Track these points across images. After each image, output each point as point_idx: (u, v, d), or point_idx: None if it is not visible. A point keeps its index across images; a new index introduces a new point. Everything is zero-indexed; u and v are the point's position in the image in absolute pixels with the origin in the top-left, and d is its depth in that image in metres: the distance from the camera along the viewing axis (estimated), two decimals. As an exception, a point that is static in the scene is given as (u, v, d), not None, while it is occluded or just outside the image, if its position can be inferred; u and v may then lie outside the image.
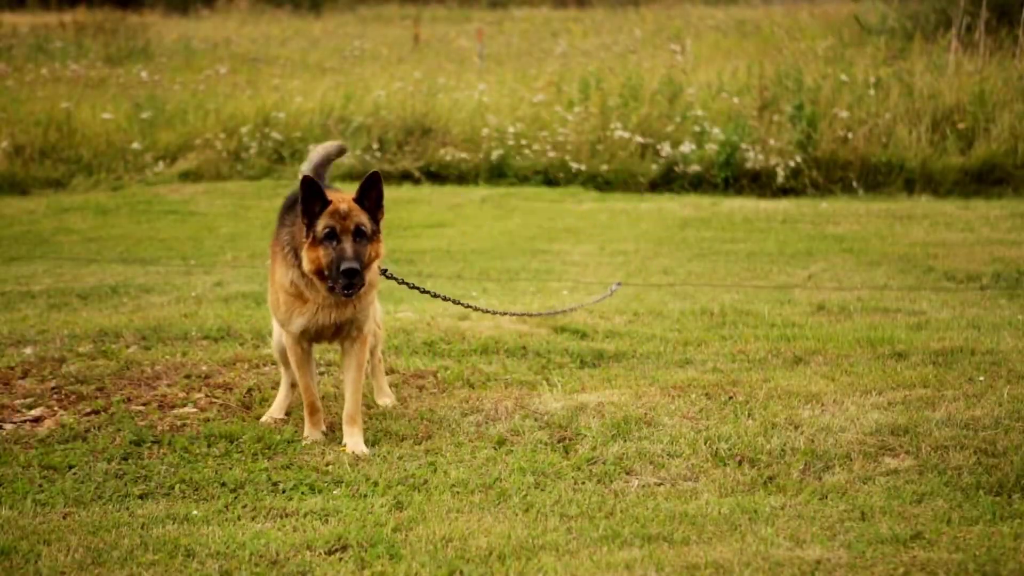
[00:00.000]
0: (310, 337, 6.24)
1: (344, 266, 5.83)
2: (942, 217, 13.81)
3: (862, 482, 5.51)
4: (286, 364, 6.61)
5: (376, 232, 6.02)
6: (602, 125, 17.73)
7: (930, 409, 6.45)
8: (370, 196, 6.02)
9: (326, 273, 5.91)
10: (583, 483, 5.60)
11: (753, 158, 16.66)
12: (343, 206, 5.91)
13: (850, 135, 16.89)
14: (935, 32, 20.39)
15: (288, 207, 6.28)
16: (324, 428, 6.37)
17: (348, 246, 5.87)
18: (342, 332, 6.24)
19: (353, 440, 6.14)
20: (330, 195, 5.98)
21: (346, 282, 5.85)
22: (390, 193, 16.11)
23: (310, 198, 5.90)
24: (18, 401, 6.84)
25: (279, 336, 6.54)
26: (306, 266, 5.94)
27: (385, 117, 18.34)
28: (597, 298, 9.30)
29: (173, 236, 13.40)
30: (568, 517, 5.19)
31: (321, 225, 5.88)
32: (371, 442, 6.19)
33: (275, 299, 6.22)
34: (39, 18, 32.90)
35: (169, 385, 7.14)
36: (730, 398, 6.79)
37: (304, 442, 6.21)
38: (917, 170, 16.55)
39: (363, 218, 5.96)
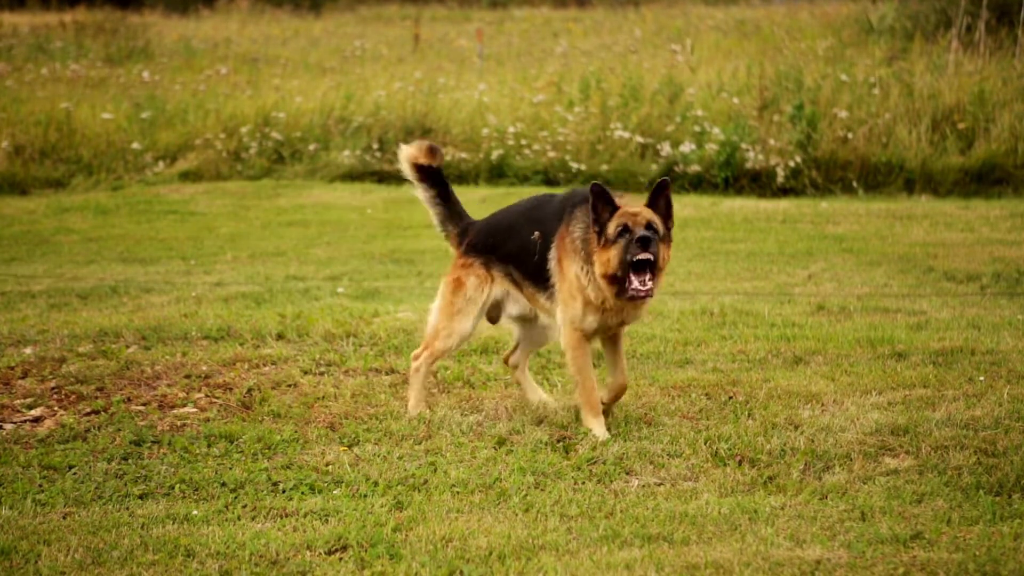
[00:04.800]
0: (596, 333, 6.33)
1: (639, 257, 5.86)
2: (942, 217, 13.80)
3: (862, 482, 5.51)
4: (436, 360, 6.70)
5: (668, 235, 6.03)
6: (602, 125, 17.72)
7: (930, 409, 6.45)
8: (659, 203, 6.05)
9: (618, 275, 5.92)
10: (583, 483, 5.60)
11: (753, 158, 16.65)
12: (632, 208, 5.97)
13: (850, 135, 16.88)
14: (935, 32, 20.38)
15: (575, 203, 6.29)
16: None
17: (640, 236, 5.89)
18: (618, 329, 6.37)
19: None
20: (619, 202, 6.05)
21: (638, 270, 5.87)
22: (389, 193, 16.17)
23: (600, 205, 5.97)
24: (18, 401, 6.84)
25: (456, 335, 6.60)
26: (598, 270, 6.01)
27: (385, 117, 18.34)
28: None
29: (173, 236, 13.40)
30: (568, 517, 5.19)
31: (613, 225, 5.96)
32: (371, 442, 6.19)
33: (569, 296, 6.22)
34: (39, 18, 32.86)
35: (169, 385, 7.14)
36: (730, 398, 6.79)
37: (598, 440, 6.14)
38: (917, 170, 16.54)
39: (654, 217, 5.98)
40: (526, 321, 6.76)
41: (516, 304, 6.64)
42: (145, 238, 13.29)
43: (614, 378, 6.48)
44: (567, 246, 6.23)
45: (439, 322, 6.67)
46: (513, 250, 6.50)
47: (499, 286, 6.61)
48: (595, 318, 6.21)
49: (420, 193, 6.90)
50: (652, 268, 5.92)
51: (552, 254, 6.32)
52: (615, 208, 6.01)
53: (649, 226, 5.96)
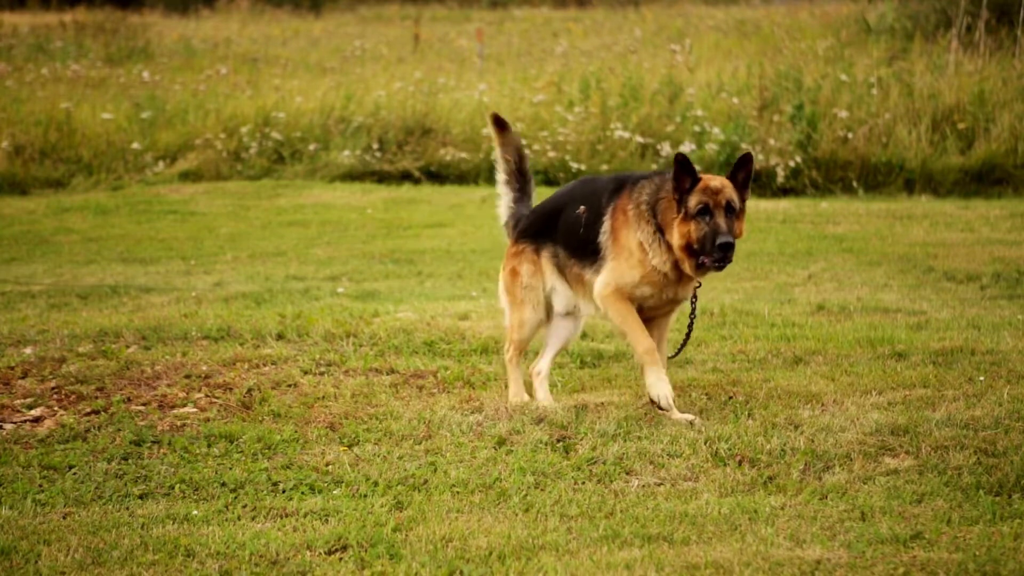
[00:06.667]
0: (640, 304, 6.42)
1: (720, 240, 6.02)
2: (942, 217, 13.80)
3: (862, 482, 5.51)
4: (521, 352, 6.86)
5: (742, 209, 6.19)
6: (602, 125, 17.72)
7: (930, 409, 6.45)
8: (739, 176, 6.18)
9: (695, 248, 6.09)
10: (583, 483, 5.60)
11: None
12: (715, 182, 6.12)
13: (850, 135, 16.88)
14: (935, 32, 20.38)
15: (635, 180, 6.43)
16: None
17: (722, 220, 6.06)
18: (665, 308, 6.49)
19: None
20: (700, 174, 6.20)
21: (720, 255, 6.05)
22: (390, 193, 16.17)
23: (682, 174, 6.11)
24: (18, 401, 6.84)
25: (526, 325, 6.77)
26: (676, 241, 6.13)
27: (385, 117, 18.33)
28: None
29: (173, 236, 13.40)
30: (568, 517, 5.19)
31: (694, 201, 6.09)
32: (371, 442, 6.19)
33: (627, 264, 6.33)
34: (39, 18, 32.87)
35: (169, 385, 7.13)
36: (730, 398, 6.79)
37: (651, 391, 6.28)
38: (917, 170, 16.54)
39: (733, 194, 6.14)
40: (565, 315, 6.88)
41: (561, 299, 6.77)
42: (145, 238, 13.29)
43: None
44: (630, 216, 6.32)
45: (511, 316, 6.90)
46: (559, 229, 6.64)
47: (548, 276, 6.74)
48: (649, 290, 6.34)
49: (505, 185, 7.06)
50: (733, 250, 6.08)
51: (605, 227, 6.41)
52: (696, 179, 6.13)
53: (729, 205, 6.11)
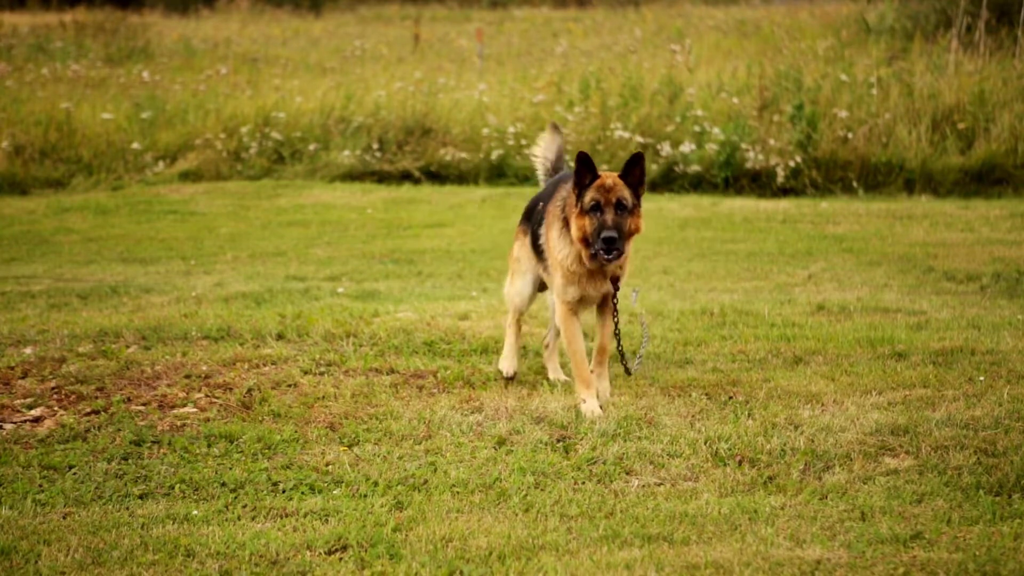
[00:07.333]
0: (581, 304, 6.86)
1: (604, 234, 6.48)
2: (942, 217, 13.80)
3: (862, 482, 5.51)
4: (515, 324, 7.33)
5: (636, 206, 6.61)
6: (602, 125, 17.72)
7: (930, 409, 6.45)
8: (633, 173, 6.61)
9: (590, 240, 6.56)
10: (583, 483, 5.61)
11: (753, 158, 16.65)
12: (608, 181, 6.57)
13: (850, 135, 16.88)
14: (935, 32, 20.38)
15: (556, 184, 7.07)
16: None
17: (609, 217, 6.52)
18: (605, 301, 6.91)
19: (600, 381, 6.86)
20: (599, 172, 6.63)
21: (606, 248, 6.49)
22: (390, 193, 16.17)
23: (582, 171, 6.56)
24: (18, 401, 6.84)
25: (518, 295, 7.29)
26: (574, 233, 6.62)
27: (385, 117, 18.33)
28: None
29: (173, 236, 13.40)
30: (568, 517, 5.19)
31: (588, 198, 6.56)
32: (371, 442, 6.19)
33: (554, 268, 6.83)
34: (39, 18, 32.88)
35: (169, 385, 7.13)
36: (730, 398, 6.79)
37: (583, 408, 6.58)
38: (917, 170, 16.53)
39: (625, 192, 6.57)
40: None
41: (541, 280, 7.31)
42: (145, 238, 13.30)
43: (598, 340, 6.97)
44: (550, 218, 6.85)
45: (510, 285, 7.43)
46: (534, 220, 7.17)
47: (532, 259, 7.21)
48: (575, 288, 6.76)
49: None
50: (618, 243, 6.48)
51: (542, 228, 6.95)
52: (595, 176, 6.55)
53: (620, 203, 6.53)
